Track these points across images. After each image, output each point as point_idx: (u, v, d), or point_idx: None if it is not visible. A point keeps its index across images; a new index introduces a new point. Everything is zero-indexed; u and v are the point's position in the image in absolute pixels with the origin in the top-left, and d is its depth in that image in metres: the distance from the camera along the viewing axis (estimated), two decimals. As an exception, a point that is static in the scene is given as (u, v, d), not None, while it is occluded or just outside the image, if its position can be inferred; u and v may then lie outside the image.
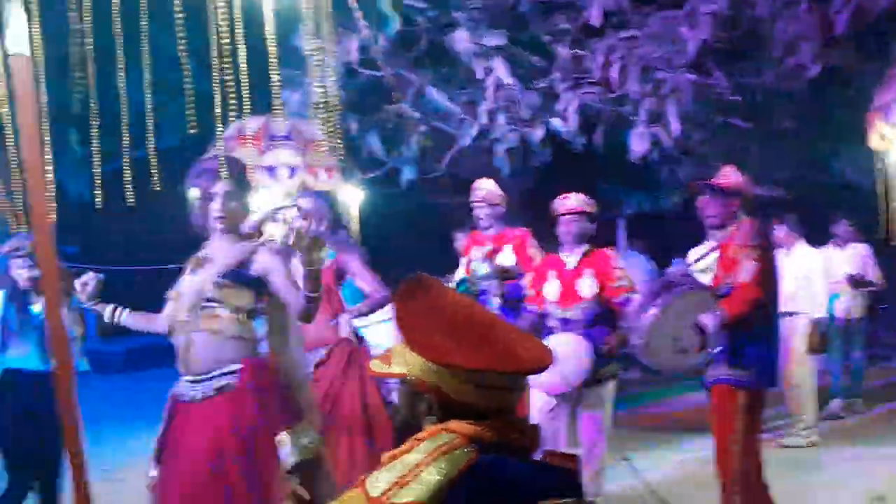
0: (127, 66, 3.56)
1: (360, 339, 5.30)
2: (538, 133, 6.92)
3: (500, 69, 6.66)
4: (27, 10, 2.75)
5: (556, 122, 6.88)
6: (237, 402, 3.63)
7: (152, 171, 3.38)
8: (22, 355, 4.63)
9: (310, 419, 3.79)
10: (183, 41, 3.12)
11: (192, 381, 3.69)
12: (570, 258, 5.51)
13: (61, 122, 10.04)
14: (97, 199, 3.44)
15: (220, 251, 3.84)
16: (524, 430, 1.87)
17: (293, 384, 3.85)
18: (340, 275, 5.46)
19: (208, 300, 3.70)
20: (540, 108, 6.96)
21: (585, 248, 5.52)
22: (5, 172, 3.20)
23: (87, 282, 3.80)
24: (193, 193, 3.94)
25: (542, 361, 1.85)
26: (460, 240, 8.10)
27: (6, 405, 4.64)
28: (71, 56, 3.16)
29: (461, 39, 6.76)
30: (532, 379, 5.29)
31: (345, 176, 7.61)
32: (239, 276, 3.72)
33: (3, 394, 4.65)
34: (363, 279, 5.36)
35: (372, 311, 5.33)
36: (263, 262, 3.74)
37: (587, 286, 5.42)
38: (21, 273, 4.68)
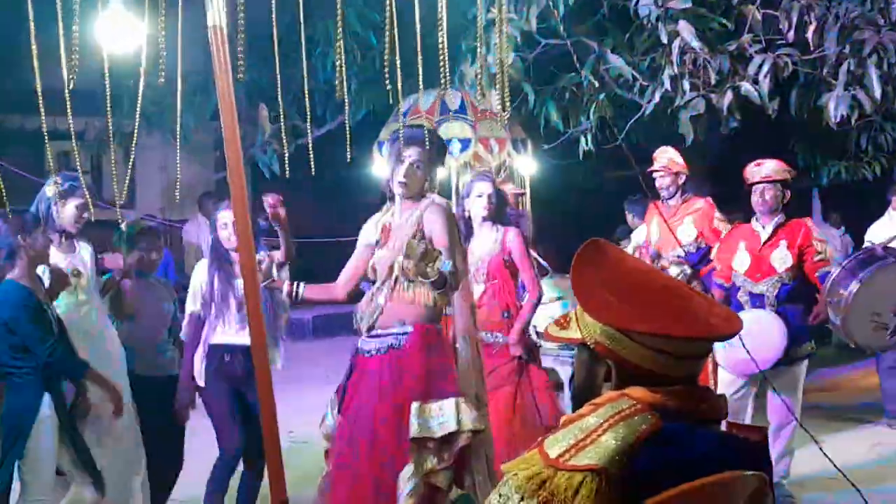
0: (312, 44, 3.64)
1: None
2: (726, 98, 6.60)
3: (686, 32, 6.39)
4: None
5: (745, 87, 6.53)
6: (400, 363, 3.76)
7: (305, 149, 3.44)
8: (226, 329, 4.71)
9: (470, 397, 3.77)
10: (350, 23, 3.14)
11: (370, 336, 3.83)
12: (764, 229, 5.24)
13: (255, 98, 10.54)
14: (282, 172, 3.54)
15: (400, 220, 3.94)
16: (708, 399, 1.78)
17: (458, 357, 3.88)
18: (511, 261, 5.40)
19: (400, 273, 3.82)
20: (728, 72, 6.63)
21: (780, 218, 5.23)
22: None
23: (260, 261, 3.91)
24: (383, 159, 4.07)
25: (729, 328, 1.76)
26: (630, 209, 7.92)
27: (216, 380, 4.73)
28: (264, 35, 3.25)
29: (645, 3, 6.53)
30: (721, 359, 5.13)
31: (522, 147, 7.58)
32: (424, 249, 3.80)
33: (212, 368, 4.73)
34: (523, 271, 5.30)
35: (529, 320, 5.27)
36: (429, 223, 3.82)
37: (781, 259, 5.14)
38: (225, 236, 4.70)
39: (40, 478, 4.00)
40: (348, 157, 3.47)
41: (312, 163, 3.46)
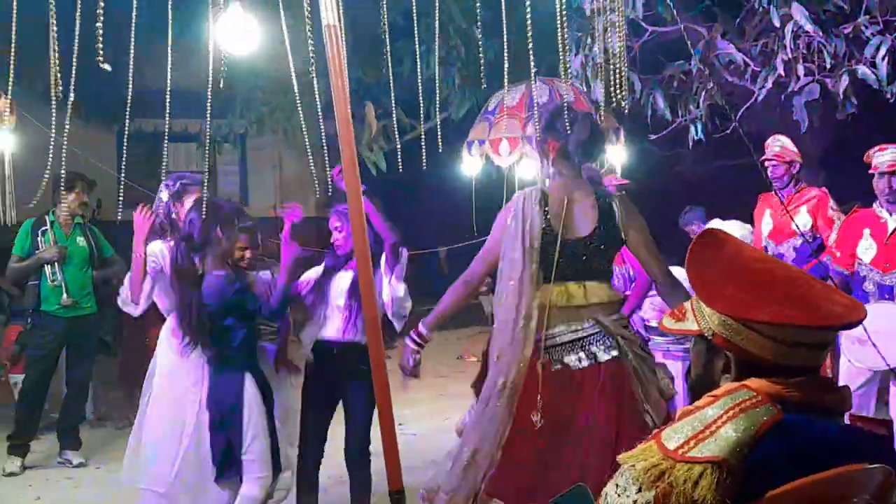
0: (417, 41, 3.68)
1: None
2: (842, 83, 6.37)
3: (799, 15, 6.19)
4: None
5: (862, 70, 6.29)
6: None
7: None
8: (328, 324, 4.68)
9: None
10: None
11: None
12: (891, 217, 5.05)
13: (361, 96, 10.69)
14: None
15: None
16: (831, 390, 1.74)
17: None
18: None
19: None
20: (844, 55, 6.40)
21: None
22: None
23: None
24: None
25: (852, 315, 1.71)
26: (686, 222, 7.69)
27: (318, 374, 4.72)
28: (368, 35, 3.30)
29: (756, -14, 6.39)
30: (849, 352, 4.96)
31: (614, 137, 7.47)
32: None
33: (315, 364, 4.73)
34: (629, 257, 5.28)
35: (640, 300, 5.21)
36: None
37: None
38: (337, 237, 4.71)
39: (259, 455, 4.19)
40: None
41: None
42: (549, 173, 3.86)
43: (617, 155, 7.42)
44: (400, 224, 4.65)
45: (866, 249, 5.07)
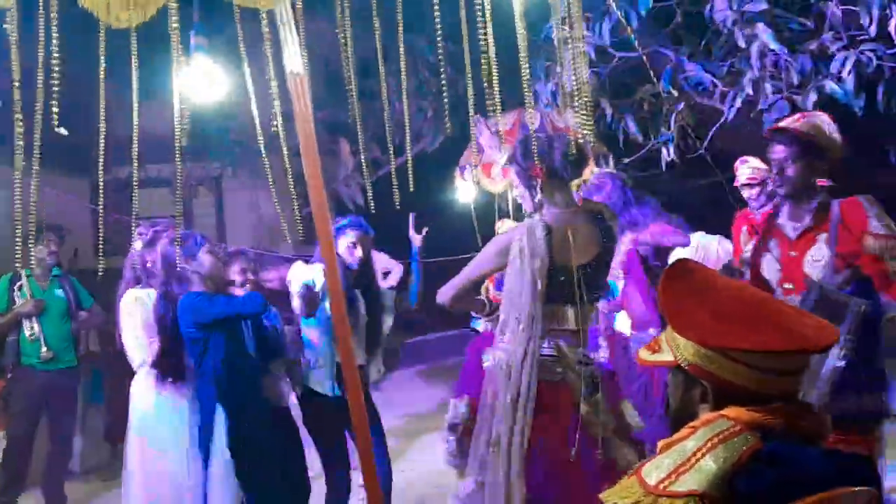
0: (386, 76, 3.67)
1: None
2: (810, 99, 6.43)
3: (764, 35, 6.26)
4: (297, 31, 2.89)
5: (830, 86, 6.36)
6: None
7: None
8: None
9: None
10: (439, 46, 3.17)
11: None
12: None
13: (332, 133, 10.73)
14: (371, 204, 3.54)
15: None
16: (809, 415, 1.73)
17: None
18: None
19: None
20: (811, 71, 6.47)
21: None
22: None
23: None
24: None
25: (825, 339, 1.71)
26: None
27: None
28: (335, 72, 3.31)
29: (720, 8, 6.43)
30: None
31: (604, 162, 7.51)
32: None
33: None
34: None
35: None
36: None
37: None
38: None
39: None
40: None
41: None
42: (539, 202, 3.72)
43: None
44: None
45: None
